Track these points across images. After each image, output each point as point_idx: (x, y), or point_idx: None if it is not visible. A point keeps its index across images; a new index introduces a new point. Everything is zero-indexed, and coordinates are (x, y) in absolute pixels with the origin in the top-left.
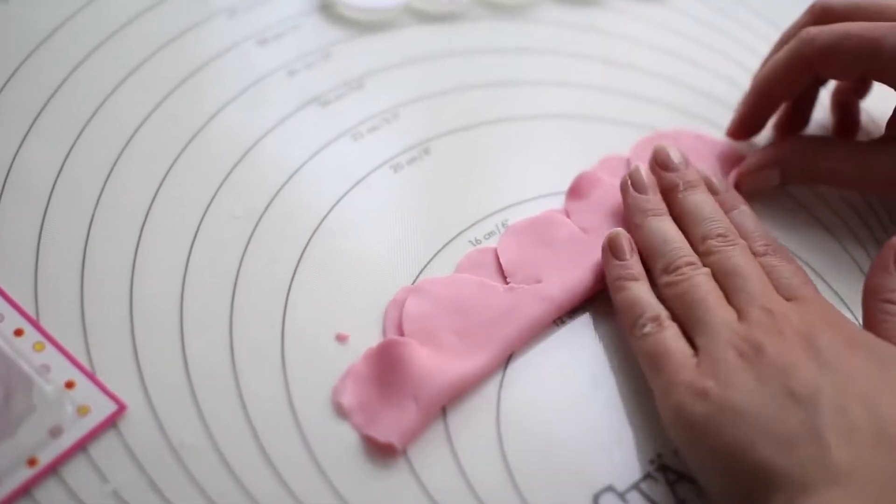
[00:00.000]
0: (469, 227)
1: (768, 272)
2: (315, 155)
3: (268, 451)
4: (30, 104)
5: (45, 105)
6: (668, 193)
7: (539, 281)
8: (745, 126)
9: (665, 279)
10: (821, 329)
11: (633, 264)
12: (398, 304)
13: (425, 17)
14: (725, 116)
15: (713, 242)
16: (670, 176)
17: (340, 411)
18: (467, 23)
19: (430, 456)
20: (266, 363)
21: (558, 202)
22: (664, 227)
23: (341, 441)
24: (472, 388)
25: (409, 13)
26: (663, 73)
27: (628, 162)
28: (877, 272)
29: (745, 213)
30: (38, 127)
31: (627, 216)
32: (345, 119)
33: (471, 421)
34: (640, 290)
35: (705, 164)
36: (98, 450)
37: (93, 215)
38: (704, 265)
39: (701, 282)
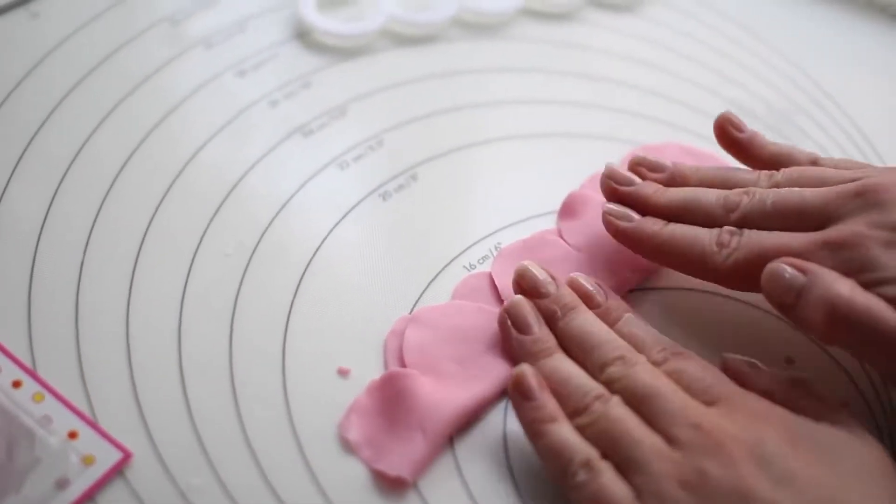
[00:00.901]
0: (462, 252)
1: (677, 379)
2: (302, 186)
3: (276, 489)
4: (9, 151)
5: (25, 150)
6: (548, 322)
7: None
8: None
9: (578, 421)
10: (759, 431)
11: (546, 402)
12: (397, 335)
13: (403, 41)
14: (708, 126)
15: (613, 370)
16: (544, 304)
17: (348, 447)
18: (445, 44)
19: (442, 487)
20: (269, 401)
21: (550, 222)
22: (560, 367)
23: (351, 476)
24: (479, 415)
25: (386, 37)
26: (644, 85)
27: None
28: None
29: (631, 321)
30: (20, 173)
31: (516, 359)
32: (330, 148)
33: (479, 448)
34: (562, 433)
35: None
36: (106, 499)
37: (82, 260)
38: (612, 392)
39: (616, 415)
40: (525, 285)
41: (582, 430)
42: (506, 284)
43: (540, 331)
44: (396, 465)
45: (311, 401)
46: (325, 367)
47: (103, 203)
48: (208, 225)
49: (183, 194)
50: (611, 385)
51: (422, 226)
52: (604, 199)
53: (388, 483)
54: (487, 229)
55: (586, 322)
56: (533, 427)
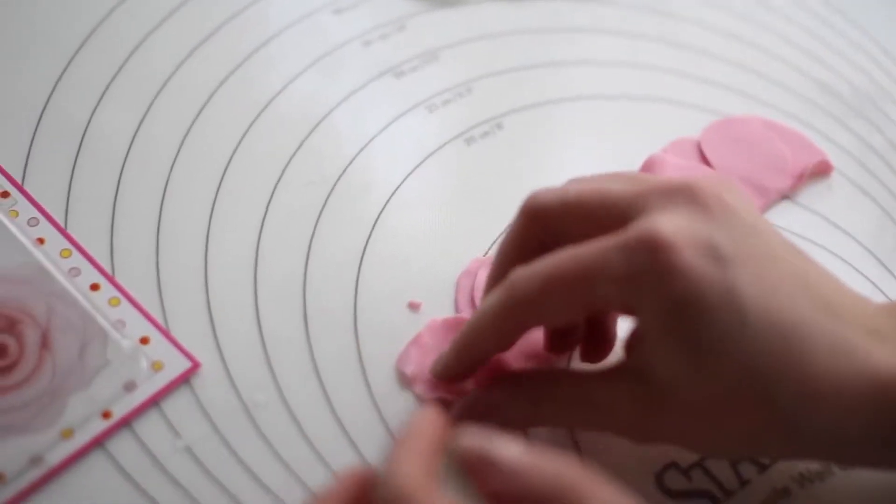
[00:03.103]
0: None
1: None
2: (389, 125)
3: (338, 412)
4: (104, 69)
5: (119, 70)
6: None
7: None
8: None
9: None
10: None
11: None
12: (471, 275)
13: None
14: (795, 105)
15: None
16: None
17: (404, 380)
18: (542, 1)
19: None
20: (339, 328)
21: None
22: None
23: (410, 407)
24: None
25: None
26: (731, 58)
27: (699, 145)
28: None
29: None
30: (113, 91)
31: None
32: (419, 91)
33: None
34: None
35: (775, 152)
36: (171, 406)
37: (168, 176)
38: None
39: None
40: None
41: None
42: None
43: None
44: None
45: (380, 331)
46: (396, 300)
47: (192, 125)
48: (293, 154)
49: (271, 123)
50: None
51: (502, 173)
52: (681, 164)
53: None
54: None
55: None
56: None
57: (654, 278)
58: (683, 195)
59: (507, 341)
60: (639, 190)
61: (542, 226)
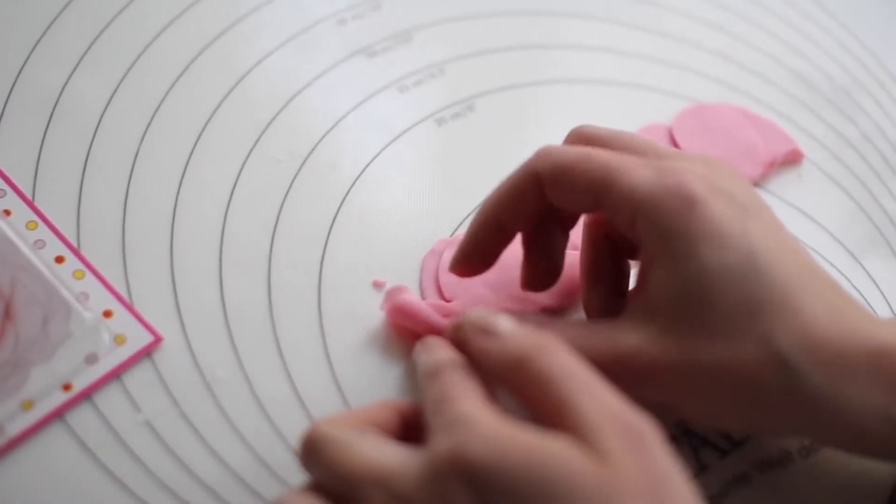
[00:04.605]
0: None
1: None
2: (360, 104)
3: (299, 389)
4: (79, 39)
5: (95, 40)
6: None
7: (577, 246)
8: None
9: None
10: None
11: None
12: (436, 255)
13: None
14: (770, 93)
15: None
16: None
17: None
18: None
19: None
20: (302, 305)
21: None
22: None
23: (372, 384)
24: None
25: None
26: (710, 46)
27: (670, 131)
28: None
29: None
30: (87, 61)
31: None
32: (391, 71)
33: None
34: None
35: (746, 139)
36: (132, 379)
37: (138, 149)
38: None
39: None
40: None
41: None
42: None
43: None
44: None
45: (344, 309)
46: (361, 278)
47: (164, 98)
48: (264, 130)
49: (243, 99)
50: None
51: (472, 155)
52: None
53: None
54: None
55: None
56: None
57: (676, 200)
58: (702, 159)
59: (524, 213)
60: (675, 150)
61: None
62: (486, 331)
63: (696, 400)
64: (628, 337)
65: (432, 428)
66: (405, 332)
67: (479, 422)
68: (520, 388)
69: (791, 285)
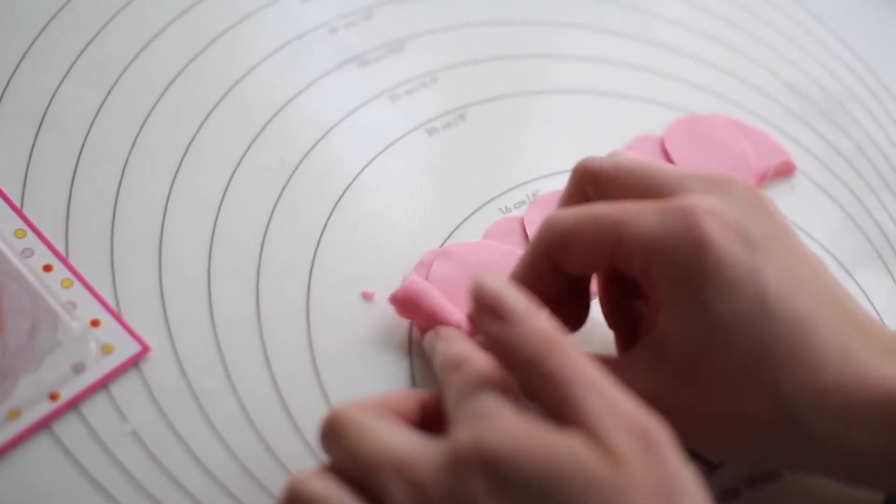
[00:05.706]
0: (500, 194)
1: None
2: (351, 113)
3: (287, 402)
4: (69, 48)
5: (84, 49)
6: None
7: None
8: None
9: None
10: None
11: None
12: (425, 266)
13: None
14: (762, 105)
15: None
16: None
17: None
18: None
19: None
20: (291, 316)
21: None
22: None
23: (361, 394)
24: None
25: None
26: (701, 56)
27: (662, 142)
28: None
29: None
30: (76, 70)
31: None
32: (383, 80)
33: None
34: None
35: (738, 151)
36: (119, 389)
37: (128, 157)
38: None
39: None
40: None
41: None
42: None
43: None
44: None
45: (332, 320)
46: (350, 288)
47: (154, 107)
48: (254, 139)
49: (234, 107)
50: None
51: (464, 164)
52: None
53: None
54: (527, 176)
55: None
56: None
57: (683, 244)
58: (724, 185)
59: (546, 286)
60: (685, 172)
61: (592, 184)
62: (497, 314)
63: (701, 437)
64: (640, 380)
65: (453, 418)
66: (412, 317)
67: (500, 415)
68: (532, 387)
69: (800, 328)
